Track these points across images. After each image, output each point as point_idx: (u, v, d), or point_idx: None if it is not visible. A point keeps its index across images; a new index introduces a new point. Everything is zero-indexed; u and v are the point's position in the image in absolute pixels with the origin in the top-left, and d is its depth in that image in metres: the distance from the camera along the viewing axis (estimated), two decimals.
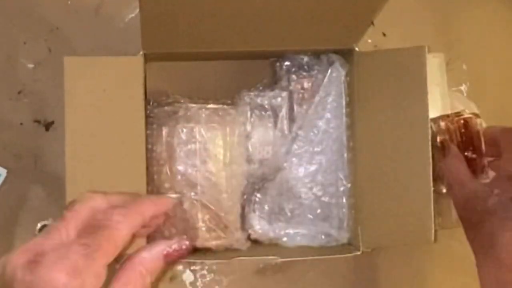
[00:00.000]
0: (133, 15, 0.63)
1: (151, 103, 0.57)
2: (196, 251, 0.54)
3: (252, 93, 0.58)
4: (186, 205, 0.53)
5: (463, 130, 0.57)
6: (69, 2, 0.62)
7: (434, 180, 0.51)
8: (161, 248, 0.38)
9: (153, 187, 0.54)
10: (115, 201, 0.39)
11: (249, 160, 0.57)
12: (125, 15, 0.63)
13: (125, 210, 0.37)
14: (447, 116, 0.61)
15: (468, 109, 0.63)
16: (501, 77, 0.67)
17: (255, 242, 0.58)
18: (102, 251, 0.34)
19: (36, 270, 0.32)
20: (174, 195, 0.52)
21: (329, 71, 0.58)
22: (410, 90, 0.52)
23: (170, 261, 0.39)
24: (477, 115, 0.60)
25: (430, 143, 0.51)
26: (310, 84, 0.59)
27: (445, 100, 0.63)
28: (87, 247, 0.34)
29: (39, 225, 0.60)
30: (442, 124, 0.61)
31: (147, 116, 0.53)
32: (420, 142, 0.51)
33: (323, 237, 0.59)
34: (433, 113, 0.61)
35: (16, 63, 0.61)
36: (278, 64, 0.59)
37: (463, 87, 0.66)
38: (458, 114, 0.60)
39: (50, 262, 0.33)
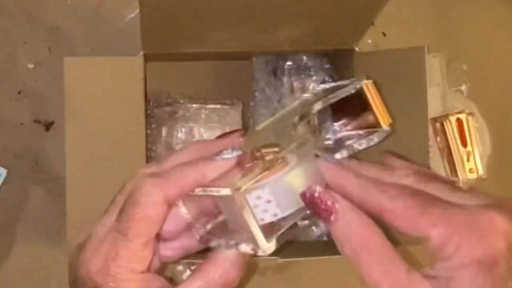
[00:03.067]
0: (133, 15, 0.63)
1: (151, 103, 0.57)
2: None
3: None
4: None
5: (457, 129, 0.58)
6: (69, 2, 0.62)
7: None
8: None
9: None
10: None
11: None
12: (125, 15, 0.63)
13: (158, 179, 0.32)
14: (444, 116, 0.61)
15: (468, 109, 0.63)
16: (501, 77, 0.67)
17: None
18: (133, 232, 0.31)
19: (80, 265, 0.32)
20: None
21: None
22: (410, 90, 0.52)
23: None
24: (469, 114, 0.61)
25: (429, 143, 0.51)
26: (310, 84, 0.59)
27: (445, 100, 0.63)
28: (118, 230, 0.31)
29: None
30: (438, 125, 0.61)
31: (147, 116, 0.53)
32: (420, 142, 0.51)
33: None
34: (433, 113, 0.61)
35: (16, 63, 0.61)
36: (279, 64, 0.59)
37: (463, 87, 0.66)
38: (452, 114, 0.61)
39: (86, 257, 0.32)
